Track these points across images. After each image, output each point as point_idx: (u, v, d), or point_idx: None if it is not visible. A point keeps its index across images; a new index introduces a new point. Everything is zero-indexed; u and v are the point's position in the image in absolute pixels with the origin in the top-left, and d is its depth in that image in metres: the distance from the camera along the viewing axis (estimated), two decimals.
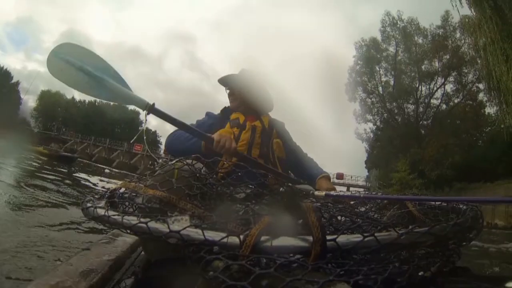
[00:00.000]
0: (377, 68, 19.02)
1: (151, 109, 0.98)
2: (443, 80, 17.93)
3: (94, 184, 7.37)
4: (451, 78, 17.92)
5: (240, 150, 1.15)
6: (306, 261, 0.43)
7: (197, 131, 1.07)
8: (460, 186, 13.32)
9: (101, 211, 0.56)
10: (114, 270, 0.75)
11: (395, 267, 0.45)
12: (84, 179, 8.32)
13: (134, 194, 0.64)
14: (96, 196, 0.64)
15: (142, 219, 0.49)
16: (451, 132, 16.38)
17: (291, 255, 0.44)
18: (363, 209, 0.77)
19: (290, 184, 0.86)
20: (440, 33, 17.80)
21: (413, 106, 18.90)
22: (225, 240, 0.45)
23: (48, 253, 1.78)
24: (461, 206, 0.60)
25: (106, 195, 0.64)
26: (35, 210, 3.01)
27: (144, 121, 1.04)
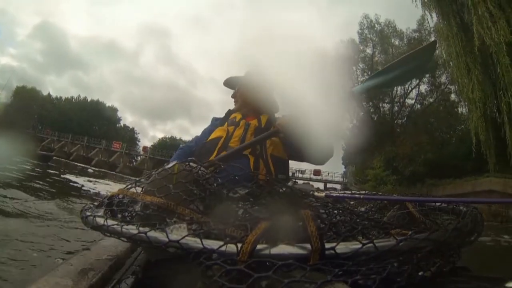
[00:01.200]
0: (354, 69, 19.66)
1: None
2: (417, 81, 18.72)
3: (88, 188, 7.35)
4: (425, 79, 18.75)
5: (232, 146, 1.17)
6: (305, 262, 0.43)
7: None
8: (431, 182, 13.93)
9: (100, 220, 0.56)
10: (114, 270, 0.75)
11: (394, 267, 0.46)
12: (74, 181, 8.30)
13: (131, 201, 0.64)
14: (95, 204, 0.64)
15: (141, 229, 0.50)
16: (425, 130, 17.16)
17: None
18: (363, 209, 0.77)
19: (289, 184, 0.86)
20: (416, 36, 18.62)
21: (389, 106, 19.79)
22: (223, 248, 0.45)
23: (48, 253, 1.78)
24: (461, 207, 0.60)
25: (105, 203, 0.64)
26: (33, 212, 3.02)
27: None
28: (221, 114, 1.40)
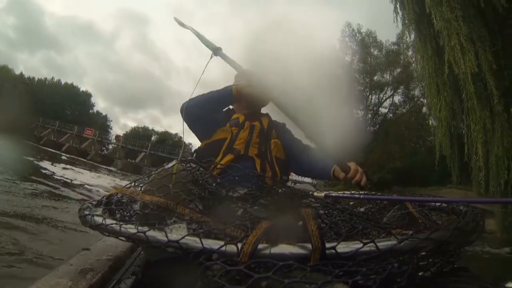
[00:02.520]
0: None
1: (218, 52, 1.12)
2: (392, 91, 19.56)
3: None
4: (399, 91, 19.58)
5: (238, 148, 1.16)
6: (305, 263, 0.43)
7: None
8: (398, 189, 14.46)
9: (98, 219, 0.56)
10: (114, 270, 0.75)
11: (395, 267, 0.45)
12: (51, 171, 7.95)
13: (131, 200, 0.63)
14: (94, 203, 0.64)
15: (140, 228, 0.50)
16: (395, 139, 17.77)
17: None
18: (362, 209, 0.77)
19: (288, 184, 0.86)
20: (394, 49, 19.25)
21: (362, 113, 20.28)
22: (223, 248, 0.45)
23: (48, 252, 1.78)
24: (461, 207, 0.60)
25: (103, 202, 0.64)
26: (31, 209, 3.01)
27: (206, 65, 1.15)
28: None
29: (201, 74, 1.17)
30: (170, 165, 0.70)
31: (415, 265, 0.48)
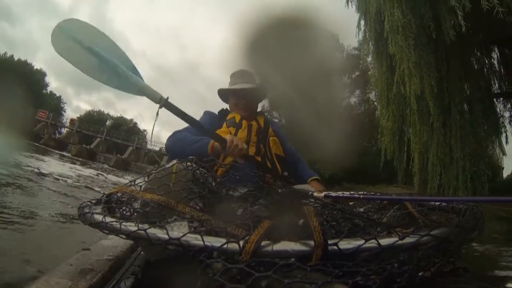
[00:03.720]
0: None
1: (165, 103, 0.93)
2: (349, 94, 20.33)
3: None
4: (356, 93, 20.57)
5: None
6: (306, 262, 0.43)
7: (210, 131, 1.05)
8: (348, 186, 15.06)
9: (98, 217, 0.55)
10: (114, 270, 0.75)
11: (395, 267, 0.45)
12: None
13: (132, 198, 0.63)
14: (93, 201, 0.63)
15: (140, 226, 0.49)
16: (349, 138, 19.06)
17: (292, 259, 0.44)
18: (362, 209, 0.77)
19: (289, 184, 0.86)
20: (355, 54, 19.73)
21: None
22: (225, 246, 0.45)
23: (47, 252, 1.77)
24: (461, 206, 0.60)
25: (103, 200, 0.64)
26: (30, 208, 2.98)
27: (156, 115, 0.96)
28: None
29: (153, 126, 1.11)
30: (170, 164, 0.70)
31: (415, 265, 0.48)
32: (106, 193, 0.67)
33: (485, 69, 5.56)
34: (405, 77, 4.50)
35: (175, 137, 1.17)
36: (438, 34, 4.22)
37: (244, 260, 0.42)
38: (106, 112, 45.66)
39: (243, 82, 1.30)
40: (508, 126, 5.62)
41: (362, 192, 0.78)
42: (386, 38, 4.71)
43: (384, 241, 0.43)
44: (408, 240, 0.44)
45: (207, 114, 1.35)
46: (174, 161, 0.72)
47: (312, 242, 0.43)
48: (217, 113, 1.34)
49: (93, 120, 37.21)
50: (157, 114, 0.95)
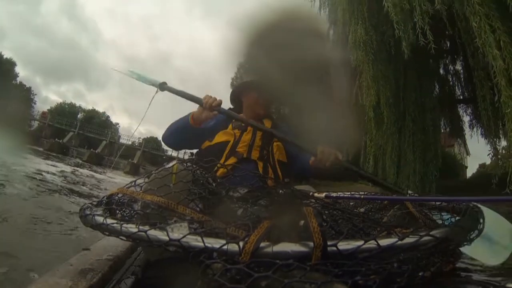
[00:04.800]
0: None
1: (163, 87, 1.17)
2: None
3: None
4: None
5: (241, 151, 1.15)
6: (305, 262, 0.43)
7: (195, 97, 1.14)
8: (314, 181, 15.82)
9: (99, 219, 0.55)
10: (114, 270, 0.75)
11: (395, 267, 0.45)
12: None
13: (132, 200, 0.63)
14: (94, 203, 0.64)
15: (141, 227, 0.50)
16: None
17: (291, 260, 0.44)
18: (362, 209, 0.77)
19: (289, 185, 0.86)
20: None
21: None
22: (224, 247, 0.45)
23: (47, 252, 1.78)
24: (461, 206, 0.60)
25: (104, 201, 0.64)
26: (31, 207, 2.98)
27: (151, 99, 1.19)
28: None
29: (146, 110, 1.21)
30: (170, 165, 0.71)
31: (415, 265, 0.48)
32: (106, 194, 0.67)
33: (439, 80, 6.30)
34: (362, 90, 5.00)
35: (168, 126, 1.25)
36: (397, 49, 4.52)
37: (243, 260, 0.43)
38: (78, 104, 43.41)
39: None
40: (468, 129, 6.44)
41: (363, 192, 0.79)
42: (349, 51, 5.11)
43: (384, 242, 0.43)
44: (407, 240, 0.44)
45: None
46: (174, 162, 0.72)
47: (311, 243, 0.43)
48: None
49: (64, 113, 35.80)
50: (153, 97, 1.19)
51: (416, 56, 4.38)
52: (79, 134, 27.26)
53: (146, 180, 0.69)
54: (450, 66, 6.58)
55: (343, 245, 0.43)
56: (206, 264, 0.43)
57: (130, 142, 27.75)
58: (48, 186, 4.88)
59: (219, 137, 1.20)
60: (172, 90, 1.17)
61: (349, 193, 0.85)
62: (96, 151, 23.91)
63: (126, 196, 0.63)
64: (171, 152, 29.25)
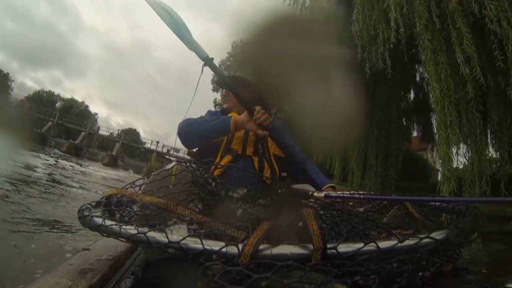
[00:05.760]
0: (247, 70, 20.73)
1: (209, 61, 1.07)
2: None
3: None
4: None
5: (235, 148, 1.15)
6: (305, 263, 0.43)
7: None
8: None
9: (98, 220, 0.55)
10: (114, 270, 0.75)
11: (395, 267, 0.45)
12: None
13: (131, 201, 0.63)
14: (93, 204, 0.64)
15: (140, 229, 0.49)
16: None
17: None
18: (362, 209, 0.77)
19: (289, 185, 0.86)
20: None
21: None
22: (224, 249, 0.45)
23: (48, 252, 1.78)
24: (460, 206, 0.60)
25: (103, 202, 0.64)
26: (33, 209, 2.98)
27: (201, 72, 1.11)
28: None
29: (196, 87, 1.16)
30: (169, 166, 0.70)
31: (415, 265, 0.48)
32: (105, 195, 0.67)
33: (416, 87, 6.83)
34: None
35: (187, 121, 1.16)
36: (359, 73, 4.77)
37: (243, 262, 0.43)
38: (56, 93, 42.16)
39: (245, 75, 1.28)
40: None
41: (362, 192, 0.78)
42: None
43: (384, 244, 0.43)
44: (407, 242, 0.44)
45: (209, 113, 1.35)
46: (173, 163, 0.72)
47: (311, 246, 0.43)
48: (219, 112, 1.34)
49: (42, 101, 34.62)
50: (202, 71, 1.10)
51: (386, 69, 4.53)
52: (58, 124, 26.47)
53: (146, 181, 0.69)
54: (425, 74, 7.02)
55: (343, 248, 0.43)
56: (206, 265, 0.43)
57: (108, 133, 28.01)
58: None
59: None
60: (216, 70, 1.09)
61: (348, 192, 0.84)
62: (76, 142, 23.56)
63: (125, 197, 0.63)
64: (149, 144, 29.52)
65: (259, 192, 0.67)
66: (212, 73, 1.16)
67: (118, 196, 0.64)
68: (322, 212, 0.61)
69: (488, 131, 3.84)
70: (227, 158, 1.12)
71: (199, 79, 1.13)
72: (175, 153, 27.20)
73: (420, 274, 0.50)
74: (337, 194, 0.76)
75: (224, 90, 1.35)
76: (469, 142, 3.23)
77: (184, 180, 0.66)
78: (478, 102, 3.15)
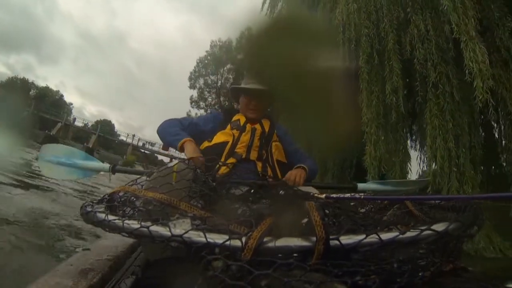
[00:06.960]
0: (222, 69, 20.73)
1: (114, 169, 1.33)
2: None
3: None
4: None
5: (239, 152, 1.16)
6: (306, 262, 0.43)
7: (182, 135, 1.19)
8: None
9: (101, 216, 0.55)
10: (114, 270, 0.75)
11: (394, 267, 0.45)
12: None
13: (133, 197, 0.63)
14: (95, 200, 0.64)
15: (143, 223, 0.49)
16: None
17: (294, 255, 0.44)
18: (363, 210, 0.77)
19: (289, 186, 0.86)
20: None
21: None
22: (227, 242, 0.45)
23: (48, 252, 1.77)
24: (460, 204, 0.60)
25: (105, 199, 0.64)
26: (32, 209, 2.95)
27: (109, 179, 1.40)
28: None
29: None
30: (172, 164, 0.71)
31: (415, 265, 0.48)
32: (108, 192, 0.67)
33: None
34: None
35: (165, 124, 1.28)
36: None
37: (246, 256, 0.43)
38: (31, 80, 39.52)
39: (256, 82, 1.28)
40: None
41: (362, 194, 0.79)
42: None
43: (386, 236, 0.44)
44: (409, 234, 0.44)
45: (212, 115, 1.37)
46: (176, 160, 0.72)
47: (314, 238, 0.43)
48: (222, 114, 1.34)
49: (16, 89, 33.20)
50: (110, 178, 1.38)
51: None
52: (34, 115, 25.28)
53: (150, 178, 0.69)
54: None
55: (345, 239, 0.43)
56: (208, 259, 0.43)
57: (82, 124, 27.27)
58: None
59: (218, 138, 1.20)
60: (124, 170, 1.37)
61: (349, 194, 0.85)
62: (51, 133, 23.04)
63: (128, 194, 0.63)
64: (124, 137, 29.32)
65: (262, 191, 0.67)
66: (191, 70, 1.20)
67: (120, 193, 0.65)
68: (324, 208, 0.61)
69: (412, 147, 4.65)
70: (231, 161, 1.13)
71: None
72: (150, 147, 27.86)
73: (420, 274, 0.51)
74: (338, 196, 0.77)
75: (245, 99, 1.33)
76: (393, 159, 3.73)
77: (186, 178, 0.66)
78: (405, 124, 3.80)
